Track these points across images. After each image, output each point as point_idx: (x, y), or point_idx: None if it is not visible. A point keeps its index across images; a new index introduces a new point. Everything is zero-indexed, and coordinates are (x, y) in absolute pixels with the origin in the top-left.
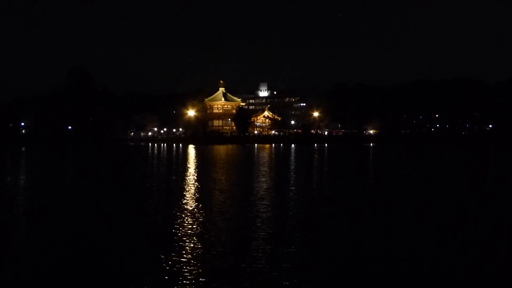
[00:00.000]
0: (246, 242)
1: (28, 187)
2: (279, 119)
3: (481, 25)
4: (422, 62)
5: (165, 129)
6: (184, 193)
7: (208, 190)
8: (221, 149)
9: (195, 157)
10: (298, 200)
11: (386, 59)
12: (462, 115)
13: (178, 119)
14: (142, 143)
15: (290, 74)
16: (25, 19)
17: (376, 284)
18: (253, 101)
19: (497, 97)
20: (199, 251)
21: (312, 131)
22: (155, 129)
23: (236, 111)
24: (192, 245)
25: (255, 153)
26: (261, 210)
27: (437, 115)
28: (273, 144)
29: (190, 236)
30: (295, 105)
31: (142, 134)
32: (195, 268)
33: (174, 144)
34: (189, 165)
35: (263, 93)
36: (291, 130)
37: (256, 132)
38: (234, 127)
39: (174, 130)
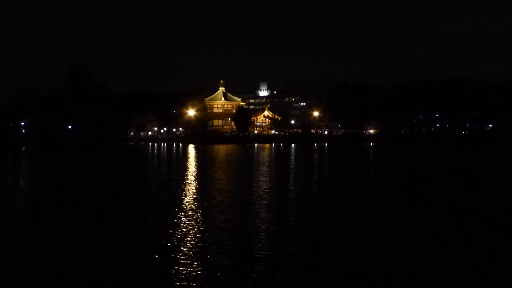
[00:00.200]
0: (245, 242)
1: (28, 187)
2: (279, 118)
3: (481, 25)
4: (422, 62)
5: (165, 129)
6: (184, 193)
7: (208, 190)
8: (221, 149)
9: (195, 156)
10: (297, 200)
11: (386, 59)
12: (462, 115)
13: (178, 118)
14: (142, 143)
15: (290, 74)
16: (25, 19)
17: (376, 284)
18: (253, 100)
19: (497, 97)
20: (199, 251)
21: (312, 130)
22: (155, 128)
23: (236, 110)
24: (191, 245)
25: (255, 152)
26: (261, 210)
27: (437, 115)
28: (273, 144)
29: (189, 236)
30: (295, 104)
31: (142, 133)
32: (195, 268)
33: (174, 144)
34: (189, 165)
35: (263, 92)
36: (291, 130)
37: (256, 131)
38: (234, 127)
39: (174, 129)
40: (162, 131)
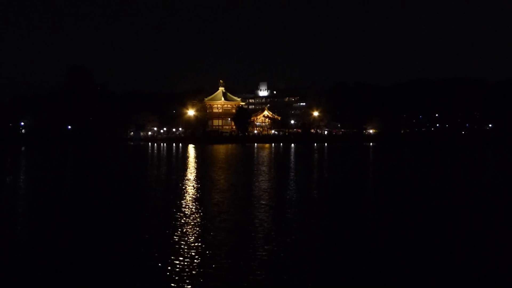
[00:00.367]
0: (245, 242)
1: (28, 187)
2: (279, 118)
3: (481, 25)
4: (422, 62)
5: (165, 129)
6: (183, 192)
7: (207, 190)
8: (221, 149)
9: (195, 156)
10: (297, 200)
11: (386, 59)
12: (462, 115)
13: (178, 118)
14: (142, 143)
15: (290, 73)
16: (25, 19)
17: (376, 284)
18: (253, 100)
19: (497, 97)
20: (198, 251)
21: (312, 130)
22: (155, 128)
23: (236, 110)
24: (191, 245)
25: (255, 152)
26: (260, 209)
27: (437, 115)
28: (273, 144)
29: (189, 236)
30: (295, 104)
31: (142, 133)
32: (194, 268)
33: (174, 144)
34: (188, 165)
35: (263, 92)
36: (291, 130)
37: (256, 131)
38: (234, 127)
39: (174, 129)
40: (162, 131)
